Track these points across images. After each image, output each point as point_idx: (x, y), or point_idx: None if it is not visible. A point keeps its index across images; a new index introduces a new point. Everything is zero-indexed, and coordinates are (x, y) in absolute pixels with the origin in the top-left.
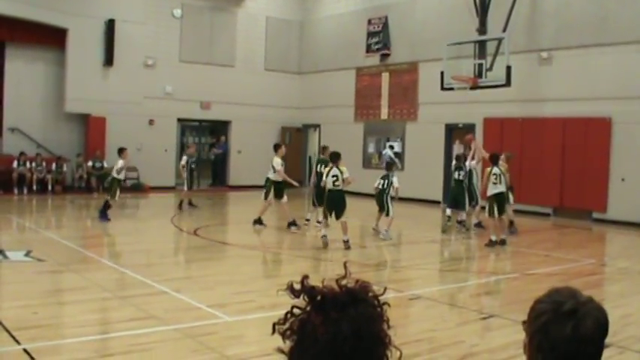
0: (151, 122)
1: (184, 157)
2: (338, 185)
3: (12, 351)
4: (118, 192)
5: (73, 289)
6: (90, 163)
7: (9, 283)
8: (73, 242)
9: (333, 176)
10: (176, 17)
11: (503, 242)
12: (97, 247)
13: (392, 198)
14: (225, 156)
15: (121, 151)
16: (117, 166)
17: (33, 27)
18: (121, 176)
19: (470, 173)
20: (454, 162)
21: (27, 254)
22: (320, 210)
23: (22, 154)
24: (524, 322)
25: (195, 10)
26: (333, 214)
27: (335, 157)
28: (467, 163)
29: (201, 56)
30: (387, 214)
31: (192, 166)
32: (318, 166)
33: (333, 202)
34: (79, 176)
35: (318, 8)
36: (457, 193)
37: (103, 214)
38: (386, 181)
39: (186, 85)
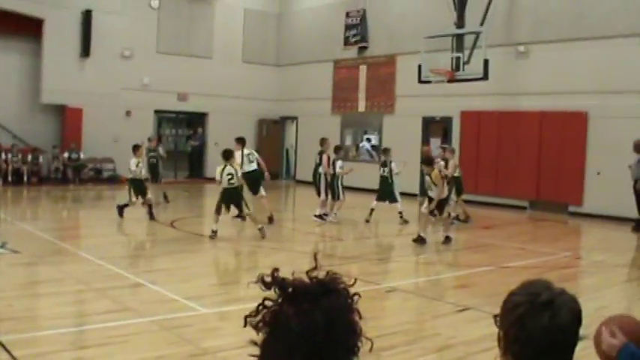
0: (127, 114)
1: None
2: (233, 183)
3: None
4: (132, 193)
5: (49, 282)
6: (66, 155)
7: None
8: (48, 234)
9: (228, 174)
10: (153, 8)
11: (448, 240)
12: (73, 239)
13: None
14: (202, 148)
15: (135, 149)
16: (130, 166)
17: (8, 17)
18: (139, 175)
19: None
20: (382, 157)
21: (2, 246)
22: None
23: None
24: (496, 316)
25: (173, 1)
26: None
27: (227, 156)
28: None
29: (178, 48)
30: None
31: (153, 160)
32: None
33: (232, 198)
34: (55, 168)
35: (296, 1)
36: (383, 188)
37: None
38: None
39: (164, 76)
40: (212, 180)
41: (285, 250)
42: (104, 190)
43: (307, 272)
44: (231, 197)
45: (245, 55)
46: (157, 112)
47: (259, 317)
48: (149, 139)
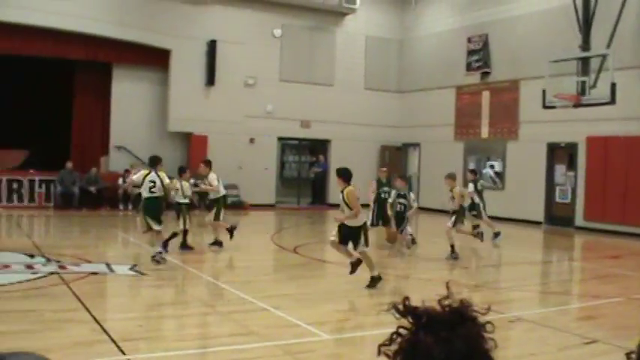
0: (251, 141)
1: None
2: (154, 192)
3: None
4: (187, 218)
5: (175, 303)
6: (192, 181)
7: (115, 295)
8: (174, 257)
9: (150, 182)
10: (276, 37)
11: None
12: (198, 263)
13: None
14: (325, 175)
15: (181, 172)
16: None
17: (138, 49)
18: (181, 199)
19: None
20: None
21: (131, 268)
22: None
23: (126, 171)
24: (630, 354)
25: (295, 29)
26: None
27: (154, 162)
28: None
29: (301, 75)
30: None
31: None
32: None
33: (150, 208)
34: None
35: (418, 27)
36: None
37: (183, 246)
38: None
39: (287, 104)
40: (335, 206)
41: (408, 277)
42: (228, 215)
43: (439, 300)
44: (148, 209)
45: (367, 82)
46: (280, 139)
47: (394, 346)
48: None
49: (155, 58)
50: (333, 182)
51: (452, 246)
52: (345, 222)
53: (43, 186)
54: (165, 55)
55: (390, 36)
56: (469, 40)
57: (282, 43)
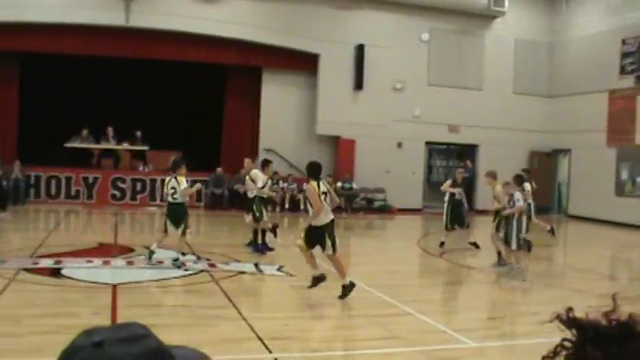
0: (399, 145)
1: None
2: (176, 198)
3: (264, 359)
4: (264, 212)
5: (321, 305)
6: (339, 184)
7: (263, 295)
8: (321, 259)
9: (171, 188)
10: (424, 41)
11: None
12: (345, 266)
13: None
14: (473, 180)
15: (175, 166)
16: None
17: (287, 53)
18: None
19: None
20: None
21: (279, 269)
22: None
23: (275, 173)
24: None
25: (443, 33)
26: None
27: (174, 167)
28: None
29: (449, 79)
30: None
31: None
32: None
33: (173, 214)
34: None
35: (569, 29)
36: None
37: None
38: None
39: (434, 108)
40: (483, 212)
41: (556, 287)
42: (375, 219)
43: (606, 313)
44: (173, 214)
45: (516, 86)
46: (427, 143)
47: (558, 359)
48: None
49: (304, 63)
50: (481, 187)
51: (498, 253)
52: (312, 223)
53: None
54: (313, 60)
55: (540, 39)
56: (623, 42)
57: (430, 47)
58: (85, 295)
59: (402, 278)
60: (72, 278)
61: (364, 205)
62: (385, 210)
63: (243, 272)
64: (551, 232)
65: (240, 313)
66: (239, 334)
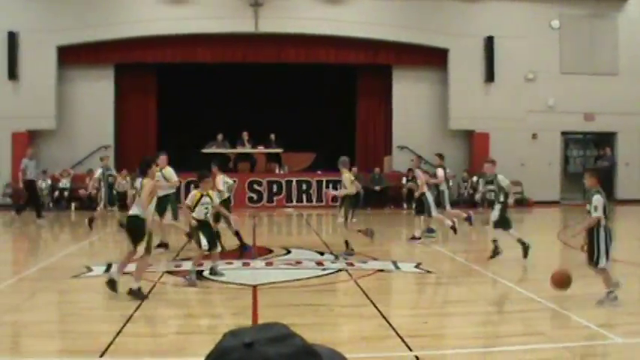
0: (533, 136)
1: (99, 170)
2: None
3: (405, 357)
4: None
5: (460, 301)
6: (475, 178)
7: (401, 292)
8: (459, 255)
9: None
10: (554, 28)
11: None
12: (482, 261)
13: None
14: (612, 169)
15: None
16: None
17: (416, 49)
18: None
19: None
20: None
21: (417, 266)
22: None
23: (409, 170)
24: None
25: (574, 19)
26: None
27: (144, 167)
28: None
29: (582, 66)
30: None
31: (110, 179)
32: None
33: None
34: (466, 191)
35: None
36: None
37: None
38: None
39: (569, 97)
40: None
41: None
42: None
43: None
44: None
45: None
46: (563, 133)
47: None
48: (101, 158)
49: (433, 58)
50: (622, 176)
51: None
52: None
53: (330, 186)
54: (443, 54)
55: None
56: None
57: (561, 34)
58: (226, 296)
59: (543, 272)
60: (213, 280)
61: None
62: (522, 203)
63: (381, 270)
64: (468, 221)
65: (379, 311)
66: (378, 332)
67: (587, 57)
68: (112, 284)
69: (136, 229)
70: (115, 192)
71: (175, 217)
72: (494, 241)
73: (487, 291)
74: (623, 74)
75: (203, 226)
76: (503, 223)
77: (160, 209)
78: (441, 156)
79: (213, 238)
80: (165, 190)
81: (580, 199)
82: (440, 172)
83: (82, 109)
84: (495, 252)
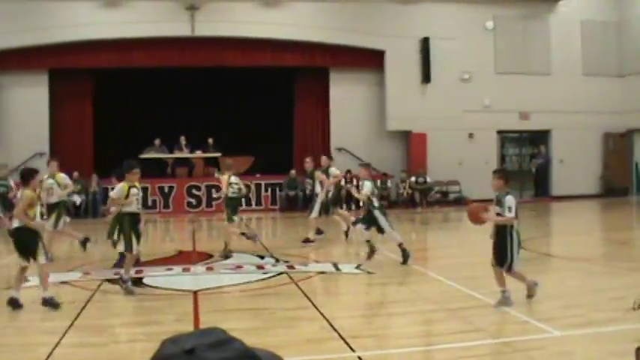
0: (470, 136)
1: None
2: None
3: (348, 357)
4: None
5: (401, 301)
6: (413, 179)
7: (343, 293)
8: (399, 255)
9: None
10: (488, 29)
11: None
12: (422, 260)
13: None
14: (547, 166)
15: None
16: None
17: (353, 52)
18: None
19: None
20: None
21: (357, 267)
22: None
23: (348, 172)
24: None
25: (507, 20)
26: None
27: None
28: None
29: (516, 66)
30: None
31: (1, 189)
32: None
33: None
34: (403, 191)
35: (636, 6)
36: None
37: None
38: None
39: (504, 96)
40: (559, 198)
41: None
42: (450, 212)
43: None
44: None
45: (585, 68)
46: (499, 132)
47: None
48: None
49: (370, 60)
50: (556, 174)
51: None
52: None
53: (269, 189)
54: (379, 56)
55: (607, 18)
56: None
57: (495, 35)
58: (167, 302)
59: (481, 270)
60: (153, 286)
61: (439, 199)
62: (460, 202)
63: (322, 272)
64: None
65: (321, 313)
66: (321, 334)
67: (521, 57)
68: (13, 303)
69: (24, 241)
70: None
71: (56, 226)
72: (368, 241)
73: (427, 290)
74: (556, 73)
75: (128, 224)
76: (368, 221)
77: (55, 216)
78: (330, 157)
79: (130, 240)
80: (61, 196)
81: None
82: (334, 170)
83: (15, 116)
84: (372, 251)
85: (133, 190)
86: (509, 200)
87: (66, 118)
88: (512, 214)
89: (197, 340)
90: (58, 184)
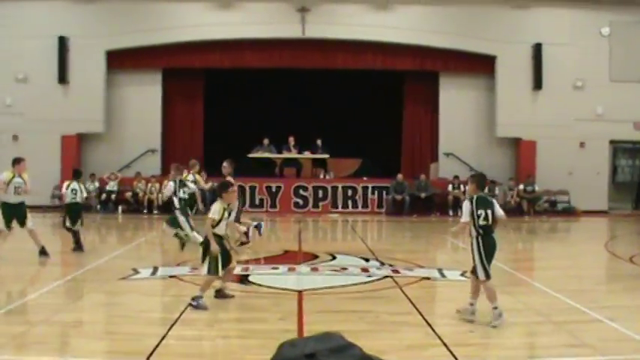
0: (581, 145)
1: None
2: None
3: None
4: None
5: (506, 311)
6: (521, 187)
7: (447, 300)
8: (504, 264)
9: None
10: (604, 36)
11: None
12: (528, 271)
13: None
14: None
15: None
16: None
17: (463, 56)
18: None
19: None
20: None
21: (463, 274)
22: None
23: (455, 177)
24: None
25: (625, 26)
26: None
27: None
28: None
29: (633, 74)
30: None
31: None
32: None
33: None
34: (511, 199)
35: None
36: None
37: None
38: None
39: (618, 105)
40: None
41: None
42: (558, 222)
43: None
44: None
45: None
46: (611, 142)
47: None
48: None
49: (480, 65)
50: None
51: None
52: None
53: (376, 192)
54: (490, 61)
55: None
56: None
57: (611, 42)
58: (272, 301)
59: (590, 283)
60: (259, 285)
61: (547, 208)
62: (569, 212)
63: (427, 278)
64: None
65: (424, 319)
66: (424, 340)
67: (638, 65)
68: None
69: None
70: None
71: (8, 226)
72: (176, 234)
73: (533, 301)
74: None
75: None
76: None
77: (20, 217)
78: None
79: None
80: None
81: (629, 208)
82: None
83: (129, 113)
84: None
85: (226, 214)
86: (464, 205)
87: (177, 116)
88: (463, 219)
89: (317, 344)
90: (25, 183)
